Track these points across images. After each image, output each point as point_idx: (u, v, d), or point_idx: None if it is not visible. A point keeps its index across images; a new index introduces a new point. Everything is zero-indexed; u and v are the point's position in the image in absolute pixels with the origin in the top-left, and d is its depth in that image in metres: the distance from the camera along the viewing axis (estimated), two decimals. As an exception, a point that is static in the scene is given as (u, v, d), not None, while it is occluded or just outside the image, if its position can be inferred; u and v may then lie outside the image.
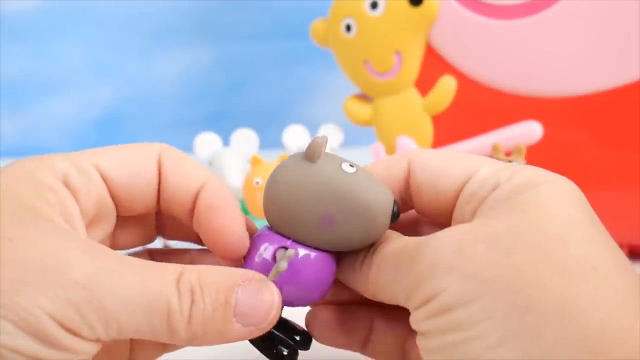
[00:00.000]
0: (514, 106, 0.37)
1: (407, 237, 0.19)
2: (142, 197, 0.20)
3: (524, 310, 0.15)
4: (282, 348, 0.21)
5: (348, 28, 0.39)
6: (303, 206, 0.19)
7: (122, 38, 0.68)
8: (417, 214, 0.22)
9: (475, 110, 0.38)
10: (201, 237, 0.21)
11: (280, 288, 0.19)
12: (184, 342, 0.17)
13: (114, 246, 0.22)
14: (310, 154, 0.20)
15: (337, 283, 0.21)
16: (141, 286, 0.17)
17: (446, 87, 0.38)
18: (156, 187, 0.20)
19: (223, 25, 0.68)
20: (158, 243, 0.24)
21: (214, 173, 0.41)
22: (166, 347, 0.23)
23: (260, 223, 0.35)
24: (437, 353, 0.17)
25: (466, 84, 0.37)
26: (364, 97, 0.42)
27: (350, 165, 0.20)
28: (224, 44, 0.69)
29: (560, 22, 0.35)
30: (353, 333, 0.23)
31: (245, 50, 0.69)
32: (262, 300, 0.18)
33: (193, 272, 0.17)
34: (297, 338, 0.22)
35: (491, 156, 0.34)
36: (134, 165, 0.20)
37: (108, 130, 0.71)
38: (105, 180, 0.20)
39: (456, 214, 0.19)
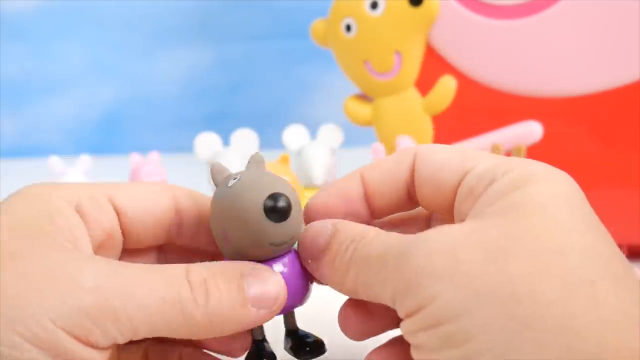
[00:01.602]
0: (514, 106, 0.36)
1: (393, 235, 0.18)
2: (153, 231, 0.21)
3: (522, 325, 0.15)
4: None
5: (348, 28, 0.39)
6: (214, 232, 0.21)
7: (122, 38, 0.68)
8: (422, 206, 0.21)
9: (475, 110, 0.38)
10: None
11: None
12: (201, 332, 0.18)
13: None
14: (213, 183, 0.22)
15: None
16: (151, 284, 0.17)
17: (446, 87, 0.38)
18: (169, 222, 0.21)
19: (224, 26, 0.68)
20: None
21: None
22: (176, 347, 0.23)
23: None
24: None
25: (466, 84, 0.37)
26: (364, 97, 0.42)
27: (234, 178, 0.22)
28: (225, 44, 0.69)
29: (560, 22, 0.35)
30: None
31: (246, 51, 0.69)
32: (270, 285, 0.19)
33: (201, 267, 0.18)
34: (309, 345, 0.23)
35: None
36: (149, 200, 0.21)
37: (108, 130, 0.71)
38: (118, 212, 0.20)
39: (455, 210, 0.19)
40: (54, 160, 0.38)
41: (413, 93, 0.39)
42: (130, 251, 0.22)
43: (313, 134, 0.43)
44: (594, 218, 0.18)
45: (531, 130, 0.36)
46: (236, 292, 0.18)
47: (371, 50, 0.38)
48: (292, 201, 0.21)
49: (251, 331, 0.22)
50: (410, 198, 0.21)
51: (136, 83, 0.70)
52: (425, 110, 0.39)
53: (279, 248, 0.21)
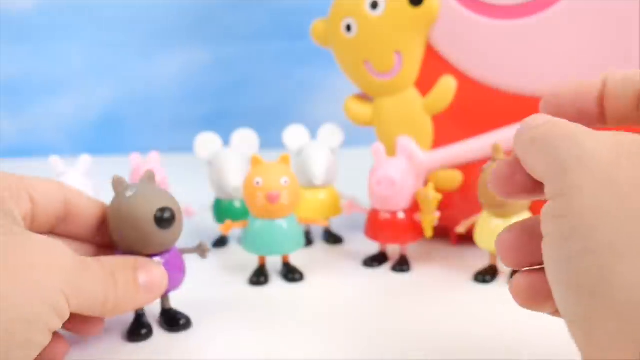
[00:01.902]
0: (514, 106, 0.37)
1: (580, 126, 0.18)
2: (49, 219, 0.28)
3: None
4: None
5: (348, 28, 0.39)
6: (112, 231, 0.29)
7: (122, 38, 0.68)
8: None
9: (475, 110, 0.38)
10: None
11: None
12: (110, 312, 0.25)
13: None
14: (114, 191, 0.30)
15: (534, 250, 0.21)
16: (92, 278, 0.25)
17: (446, 87, 0.38)
18: (61, 213, 0.28)
19: (223, 26, 0.68)
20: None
21: (214, 173, 0.41)
22: None
23: (261, 223, 0.35)
24: (561, 262, 0.16)
25: (466, 84, 0.37)
26: (364, 97, 0.42)
27: (131, 190, 0.29)
28: (224, 44, 0.69)
29: (560, 22, 0.35)
30: (547, 299, 0.21)
31: (245, 50, 0.69)
32: (156, 275, 0.27)
33: (108, 260, 0.26)
34: (180, 321, 0.31)
35: (491, 156, 0.34)
36: (51, 194, 0.28)
37: (109, 130, 0.71)
38: (32, 202, 0.27)
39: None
40: (55, 160, 0.38)
41: (413, 93, 0.39)
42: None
43: (313, 134, 0.43)
44: None
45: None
46: (132, 281, 0.26)
47: (371, 50, 0.38)
48: (175, 213, 0.29)
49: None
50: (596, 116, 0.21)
51: (136, 83, 0.70)
52: (425, 110, 0.39)
53: (163, 247, 0.29)
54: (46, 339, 0.22)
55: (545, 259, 0.17)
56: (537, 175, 0.19)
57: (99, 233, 0.30)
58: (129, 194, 0.29)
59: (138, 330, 0.30)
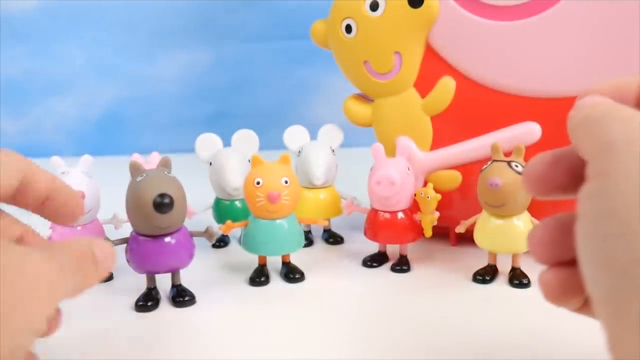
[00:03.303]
0: (514, 106, 0.37)
1: (636, 111, 0.18)
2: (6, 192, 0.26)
3: None
4: None
5: (348, 29, 0.39)
6: (127, 210, 0.32)
7: (123, 39, 0.68)
8: None
9: (475, 110, 0.38)
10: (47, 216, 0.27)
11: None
12: (77, 294, 0.24)
13: None
14: (130, 175, 0.33)
15: (564, 245, 0.21)
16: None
17: (445, 88, 0.38)
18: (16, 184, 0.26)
19: (224, 26, 0.68)
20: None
21: (215, 173, 0.41)
22: None
23: (261, 222, 0.36)
24: (596, 241, 0.16)
25: (466, 84, 0.37)
26: (363, 98, 0.42)
27: (142, 175, 0.32)
28: (225, 44, 0.69)
29: (560, 22, 0.35)
30: (576, 295, 0.21)
31: (246, 51, 0.69)
32: (107, 252, 0.25)
33: (68, 247, 0.24)
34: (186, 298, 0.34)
35: (491, 156, 0.35)
36: (10, 167, 0.25)
37: (110, 130, 0.71)
38: None
39: None
40: (56, 160, 0.38)
41: (413, 93, 0.39)
42: None
43: (313, 134, 0.43)
44: None
45: (530, 131, 0.36)
46: (91, 262, 0.24)
47: (371, 51, 0.39)
48: (175, 199, 0.31)
49: (146, 280, 0.34)
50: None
51: (137, 83, 0.70)
52: (425, 111, 0.39)
53: (165, 229, 0.32)
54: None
55: (579, 237, 0.17)
56: (583, 152, 0.18)
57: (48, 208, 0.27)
58: (139, 178, 0.32)
59: (146, 302, 0.33)
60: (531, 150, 0.35)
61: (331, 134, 0.43)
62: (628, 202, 0.16)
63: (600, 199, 0.16)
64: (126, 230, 0.35)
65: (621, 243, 0.16)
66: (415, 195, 0.37)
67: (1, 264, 0.20)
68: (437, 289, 0.36)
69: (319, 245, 0.43)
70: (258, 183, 0.34)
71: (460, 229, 0.37)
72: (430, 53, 0.38)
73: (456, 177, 0.39)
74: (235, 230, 0.39)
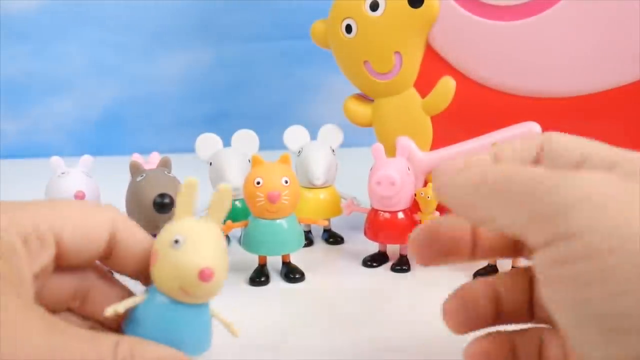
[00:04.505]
0: (514, 106, 0.37)
1: (538, 169, 0.18)
2: (86, 257, 0.22)
3: None
4: None
5: (348, 29, 0.39)
6: (127, 210, 0.32)
7: (123, 39, 0.68)
8: None
9: (475, 110, 0.38)
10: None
11: None
12: None
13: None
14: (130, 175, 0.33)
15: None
16: (82, 353, 0.19)
17: (445, 88, 0.38)
18: (103, 250, 0.22)
19: (224, 26, 0.68)
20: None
21: (215, 173, 0.41)
22: None
23: (261, 222, 0.36)
24: (574, 307, 0.16)
25: (466, 84, 0.38)
26: (363, 98, 0.42)
27: (141, 175, 0.32)
28: (225, 44, 0.69)
29: (559, 22, 0.35)
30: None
31: (246, 51, 0.69)
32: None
33: (126, 344, 0.19)
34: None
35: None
36: (87, 229, 0.22)
37: (109, 130, 0.71)
38: (58, 243, 0.21)
39: None
40: (56, 160, 0.38)
41: (413, 93, 0.39)
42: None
43: (313, 134, 0.43)
44: None
45: (530, 131, 0.36)
46: None
47: (371, 51, 0.39)
48: (175, 199, 0.29)
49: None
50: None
51: (137, 83, 0.70)
52: (425, 111, 0.39)
53: None
54: None
55: (557, 304, 0.16)
56: (508, 224, 0.17)
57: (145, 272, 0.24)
58: (139, 178, 0.32)
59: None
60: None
61: (331, 134, 0.43)
62: (609, 263, 0.15)
63: (574, 264, 0.15)
64: None
65: (620, 303, 0.15)
66: (415, 195, 0.37)
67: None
68: (437, 288, 0.35)
69: (319, 245, 0.43)
70: (258, 183, 0.34)
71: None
72: (430, 53, 0.38)
73: (456, 177, 0.39)
74: (235, 230, 0.39)
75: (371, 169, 0.37)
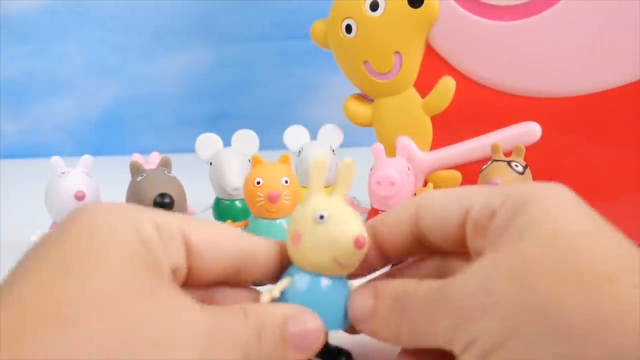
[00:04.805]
0: (514, 106, 0.37)
1: (432, 284, 0.20)
2: (215, 272, 0.22)
3: (556, 338, 0.16)
4: None
5: (348, 29, 0.39)
6: None
7: (123, 39, 0.68)
8: (433, 247, 0.23)
9: (475, 110, 0.38)
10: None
11: None
12: None
13: None
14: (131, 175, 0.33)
15: None
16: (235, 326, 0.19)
17: (445, 88, 0.38)
18: (232, 266, 0.22)
19: (224, 26, 0.68)
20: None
21: (215, 173, 0.41)
22: None
23: (261, 222, 0.36)
24: None
25: (466, 84, 0.38)
26: (364, 98, 0.42)
27: (142, 175, 0.32)
28: (225, 44, 0.69)
29: (559, 22, 0.35)
30: None
31: (246, 51, 0.69)
32: (309, 327, 0.21)
33: (253, 312, 0.20)
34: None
35: (491, 156, 0.35)
36: (215, 235, 0.22)
37: (109, 130, 0.71)
38: (188, 247, 0.21)
39: (470, 248, 0.21)
40: (56, 160, 0.38)
41: (413, 93, 0.39)
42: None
43: (313, 134, 0.43)
44: (599, 220, 0.19)
45: (530, 130, 0.36)
46: (280, 341, 0.20)
47: (371, 51, 0.39)
48: (175, 199, 0.31)
49: None
50: (419, 243, 0.23)
51: (137, 83, 0.70)
52: (425, 111, 0.39)
53: None
54: None
55: None
56: (438, 344, 0.19)
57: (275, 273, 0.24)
58: (139, 178, 0.32)
59: None
60: (531, 150, 0.35)
61: (331, 134, 0.43)
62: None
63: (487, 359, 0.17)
64: None
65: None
66: (415, 195, 0.37)
67: (150, 302, 0.17)
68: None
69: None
70: (258, 183, 0.34)
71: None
72: (430, 53, 0.38)
73: (456, 177, 0.39)
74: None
75: (371, 169, 0.37)
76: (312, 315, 0.21)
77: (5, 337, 0.15)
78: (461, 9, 0.36)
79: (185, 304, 0.19)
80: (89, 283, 0.17)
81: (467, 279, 0.19)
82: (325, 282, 0.22)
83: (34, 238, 0.36)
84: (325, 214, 0.21)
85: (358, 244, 0.21)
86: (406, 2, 0.37)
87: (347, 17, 0.39)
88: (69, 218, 0.19)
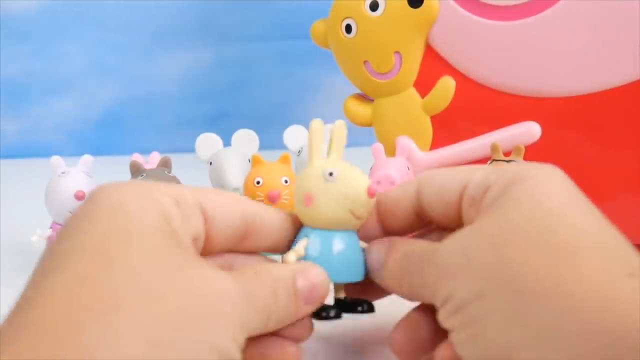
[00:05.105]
0: (514, 106, 0.37)
1: (429, 246, 0.22)
2: (226, 239, 0.23)
3: (517, 301, 0.18)
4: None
5: (348, 29, 0.39)
6: None
7: (123, 38, 0.68)
8: (433, 223, 0.25)
9: (475, 110, 0.38)
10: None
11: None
12: (272, 328, 0.21)
13: None
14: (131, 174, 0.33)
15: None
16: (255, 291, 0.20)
17: (445, 88, 0.38)
18: (240, 232, 0.23)
19: (224, 26, 0.68)
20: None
21: (215, 173, 0.41)
22: None
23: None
24: (466, 345, 0.19)
25: (466, 84, 0.38)
26: (363, 97, 0.42)
27: (142, 175, 0.33)
28: (225, 44, 0.69)
29: (559, 22, 0.35)
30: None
31: (246, 51, 0.69)
32: (315, 277, 0.22)
33: (265, 272, 0.21)
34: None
35: (491, 156, 0.35)
36: (228, 208, 0.23)
37: (109, 130, 0.71)
38: (205, 218, 0.22)
39: (464, 220, 0.22)
40: (57, 160, 0.38)
41: (413, 93, 0.39)
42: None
43: (313, 134, 0.43)
44: (581, 198, 0.20)
45: (530, 130, 0.36)
46: (292, 296, 0.21)
47: (371, 51, 0.39)
48: None
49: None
50: (420, 219, 0.25)
51: (137, 83, 0.70)
52: (425, 111, 0.39)
53: None
54: None
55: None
56: (426, 298, 0.22)
57: (287, 244, 0.25)
58: (139, 178, 0.33)
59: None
60: (531, 150, 0.35)
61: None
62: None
63: (456, 314, 0.20)
64: None
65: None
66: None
67: (186, 277, 0.18)
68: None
69: (319, 245, 0.43)
70: (258, 183, 0.34)
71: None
72: (430, 53, 0.38)
73: (456, 177, 0.39)
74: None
75: (371, 168, 0.37)
76: (317, 268, 0.22)
77: (49, 333, 0.16)
78: (461, 9, 0.36)
79: (218, 274, 0.20)
80: (122, 268, 0.17)
81: (451, 243, 0.21)
82: (341, 236, 0.23)
83: (34, 238, 0.36)
84: (334, 170, 0.23)
85: (371, 192, 0.23)
86: (406, 2, 0.37)
87: (347, 17, 0.39)
88: (88, 201, 0.20)
